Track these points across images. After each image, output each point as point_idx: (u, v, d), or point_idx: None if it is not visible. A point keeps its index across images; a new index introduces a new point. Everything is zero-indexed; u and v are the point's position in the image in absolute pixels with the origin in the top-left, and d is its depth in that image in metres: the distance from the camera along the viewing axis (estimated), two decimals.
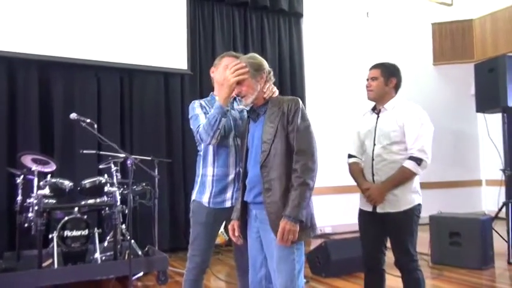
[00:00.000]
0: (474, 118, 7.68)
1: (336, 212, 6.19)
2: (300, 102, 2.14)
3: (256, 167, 2.12)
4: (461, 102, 7.75)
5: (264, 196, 2.07)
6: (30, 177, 4.01)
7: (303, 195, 2.00)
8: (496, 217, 4.98)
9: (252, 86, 2.15)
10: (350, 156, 2.79)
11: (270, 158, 2.07)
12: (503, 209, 4.92)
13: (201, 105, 2.47)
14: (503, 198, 4.95)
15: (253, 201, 2.17)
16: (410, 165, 2.48)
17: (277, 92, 2.25)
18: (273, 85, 2.24)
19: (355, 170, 2.73)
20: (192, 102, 2.51)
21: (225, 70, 2.41)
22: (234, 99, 2.55)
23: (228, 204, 2.39)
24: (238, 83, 2.17)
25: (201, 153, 2.46)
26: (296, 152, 2.05)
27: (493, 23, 7.57)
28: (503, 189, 5.00)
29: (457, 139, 7.79)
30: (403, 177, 2.50)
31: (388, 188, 2.51)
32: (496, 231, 4.73)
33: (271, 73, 2.24)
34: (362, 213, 2.70)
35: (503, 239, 4.72)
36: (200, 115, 2.39)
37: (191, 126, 2.44)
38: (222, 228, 4.58)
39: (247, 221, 2.26)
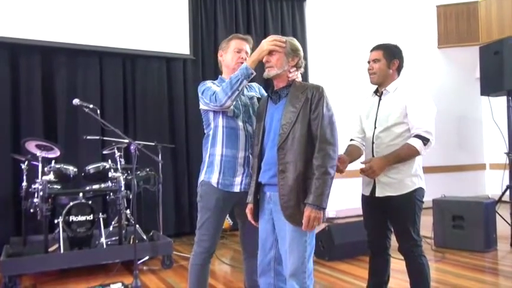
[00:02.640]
0: (478, 101, 7.63)
1: (339, 197, 6.18)
2: (324, 90, 2.16)
3: (274, 148, 2.15)
4: (466, 86, 7.70)
5: (278, 178, 2.11)
6: (35, 163, 4.04)
7: (326, 184, 2.05)
8: (500, 200, 4.97)
9: (281, 61, 2.19)
10: (352, 140, 2.76)
11: (288, 141, 2.10)
12: (507, 193, 4.92)
13: (212, 82, 2.47)
14: (507, 182, 4.95)
15: (268, 182, 2.19)
16: (417, 143, 2.41)
17: (300, 78, 2.27)
18: (300, 73, 2.27)
19: (348, 149, 2.69)
20: (202, 82, 2.50)
21: (235, 53, 2.44)
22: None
23: (236, 189, 2.38)
24: (270, 53, 2.20)
25: (210, 132, 2.44)
26: (320, 141, 2.08)
27: (499, 5, 7.46)
28: (507, 172, 4.99)
29: (461, 123, 7.76)
30: (407, 154, 2.43)
31: (390, 161, 2.44)
32: (499, 214, 4.75)
33: (303, 64, 2.27)
34: (364, 198, 2.68)
35: (507, 222, 4.74)
36: (213, 86, 2.39)
37: (202, 102, 2.40)
38: None
39: (260, 204, 2.28)
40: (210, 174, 2.40)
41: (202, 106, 2.45)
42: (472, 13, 7.77)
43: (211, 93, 2.33)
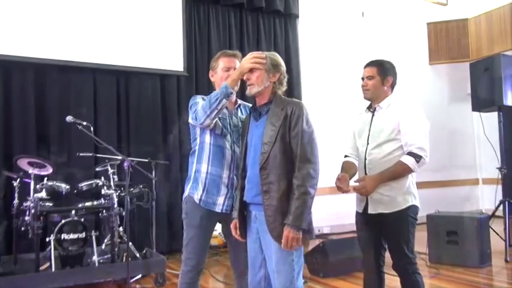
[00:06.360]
0: (470, 117, 7.71)
1: (334, 212, 6.18)
2: (304, 107, 2.13)
3: (255, 167, 2.12)
4: (457, 102, 7.78)
5: (262, 198, 2.08)
6: (27, 180, 4.00)
7: (305, 204, 2.01)
8: (493, 215, 4.99)
9: (262, 79, 2.16)
10: (346, 156, 2.77)
11: (269, 160, 2.07)
12: (500, 207, 4.94)
13: (202, 97, 2.47)
14: (500, 197, 4.97)
15: (252, 201, 2.17)
16: (409, 160, 2.41)
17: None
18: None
19: (344, 166, 2.68)
20: (193, 96, 2.50)
21: (224, 72, 2.43)
22: (239, 106, 2.54)
23: (217, 209, 2.37)
24: (251, 70, 2.17)
25: (196, 148, 2.45)
26: (300, 159, 2.04)
27: (488, 22, 7.59)
28: (500, 187, 5.01)
29: (454, 138, 7.81)
30: (399, 171, 2.44)
31: (383, 179, 2.44)
32: (493, 229, 4.75)
33: (286, 78, 2.24)
34: (357, 215, 2.67)
35: (501, 237, 4.74)
36: (200, 103, 2.37)
37: (190, 116, 2.42)
38: (220, 230, 4.56)
39: (247, 222, 2.26)
40: (193, 190, 2.41)
41: (190, 120, 2.45)
42: (462, 30, 7.89)
43: (194, 110, 2.33)
